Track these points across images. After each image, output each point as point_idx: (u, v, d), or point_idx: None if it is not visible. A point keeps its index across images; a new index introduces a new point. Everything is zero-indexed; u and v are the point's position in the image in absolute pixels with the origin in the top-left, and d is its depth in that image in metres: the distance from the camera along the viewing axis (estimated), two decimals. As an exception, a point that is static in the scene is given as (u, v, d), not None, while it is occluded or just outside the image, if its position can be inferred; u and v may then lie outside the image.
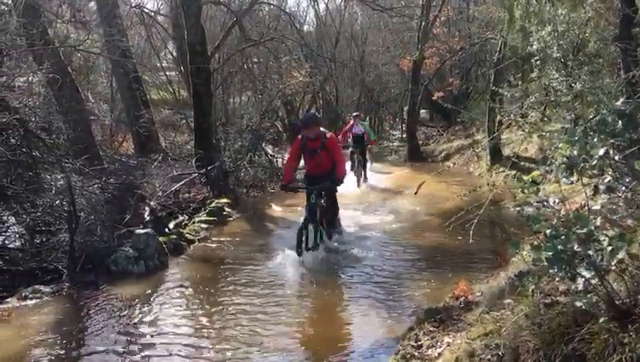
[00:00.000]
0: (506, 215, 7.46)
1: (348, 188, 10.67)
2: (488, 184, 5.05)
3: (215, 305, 5.18)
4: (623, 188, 2.59)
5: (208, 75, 11.26)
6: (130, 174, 8.63)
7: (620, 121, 2.44)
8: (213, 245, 7.41)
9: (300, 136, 6.62)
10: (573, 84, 7.99)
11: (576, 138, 2.48)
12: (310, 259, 6.14)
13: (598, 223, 2.38)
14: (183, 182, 9.72)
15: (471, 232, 3.54)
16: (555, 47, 8.49)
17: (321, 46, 23.57)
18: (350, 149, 12.14)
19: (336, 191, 6.75)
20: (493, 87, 10.88)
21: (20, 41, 8.00)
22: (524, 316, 2.77)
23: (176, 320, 4.80)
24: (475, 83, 19.85)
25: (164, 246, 6.63)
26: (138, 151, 12.70)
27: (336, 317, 4.95)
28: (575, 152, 2.47)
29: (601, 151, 2.42)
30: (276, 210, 9.62)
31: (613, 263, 2.23)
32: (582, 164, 2.46)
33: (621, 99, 2.92)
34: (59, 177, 6.78)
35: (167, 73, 20.59)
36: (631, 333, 2.19)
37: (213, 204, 9.01)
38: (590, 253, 2.25)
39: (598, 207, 2.60)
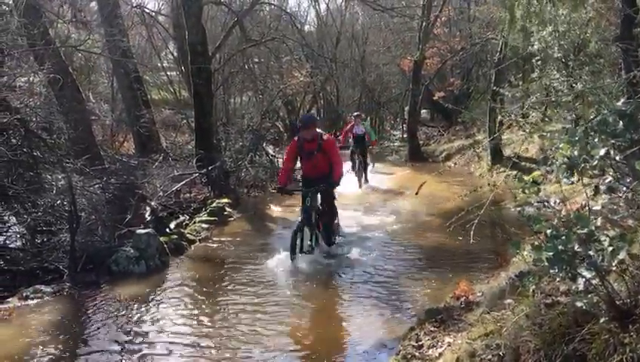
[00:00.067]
0: (506, 215, 7.46)
1: (349, 189, 10.72)
2: (489, 184, 5.06)
3: (216, 304, 5.18)
4: (624, 188, 2.59)
5: (209, 75, 11.27)
6: (131, 174, 8.63)
7: (620, 122, 2.44)
8: (214, 245, 7.42)
9: (296, 138, 6.53)
10: (574, 85, 8.00)
11: (577, 138, 2.48)
12: (304, 262, 6.08)
13: (598, 223, 2.38)
14: (183, 182, 9.73)
15: (472, 232, 3.54)
16: (556, 48, 8.48)
17: (322, 46, 23.59)
18: (350, 149, 12.13)
19: (334, 194, 6.61)
20: (494, 87, 10.89)
21: (21, 41, 8.02)
22: (524, 316, 2.77)
23: (177, 320, 4.80)
24: (475, 83, 19.84)
25: (165, 246, 6.63)
26: (139, 151, 12.71)
27: (337, 317, 4.95)
28: (576, 152, 2.47)
29: (602, 152, 2.42)
30: (277, 210, 9.62)
31: (613, 263, 2.23)
32: (583, 165, 2.45)
33: (622, 100, 2.92)
34: (60, 177, 6.79)
35: (168, 73, 20.60)
36: (632, 333, 2.19)
37: (214, 204, 9.01)
38: (591, 253, 2.26)
39: (598, 208, 2.60)
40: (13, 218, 6.66)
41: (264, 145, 14.03)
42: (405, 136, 20.69)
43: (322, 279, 5.74)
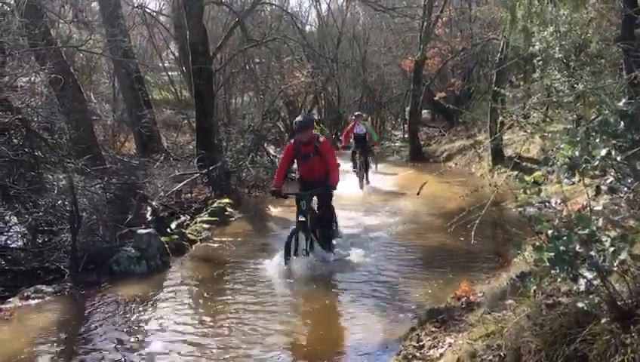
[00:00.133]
0: (507, 215, 7.45)
1: (350, 189, 10.72)
2: (490, 184, 5.05)
3: (217, 304, 5.18)
4: (625, 188, 2.59)
5: (210, 76, 11.27)
6: (132, 174, 8.63)
7: (622, 122, 2.44)
8: (215, 245, 7.42)
9: (292, 141, 6.40)
10: (575, 85, 8.00)
11: (578, 139, 2.48)
12: (305, 263, 5.97)
13: (600, 224, 2.38)
14: (184, 182, 9.74)
15: (472, 233, 3.53)
16: (557, 48, 8.49)
17: (323, 46, 23.62)
18: (352, 150, 12.09)
19: (331, 198, 6.44)
20: (495, 88, 10.87)
21: (23, 41, 8.03)
22: (525, 317, 2.77)
23: (178, 320, 4.80)
24: (476, 83, 19.83)
25: (166, 246, 6.64)
26: (140, 151, 12.72)
27: (338, 317, 4.95)
28: (577, 153, 2.47)
29: (603, 152, 2.42)
30: (278, 210, 9.62)
31: (615, 264, 2.23)
32: (584, 165, 2.45)
33: (623, 100, 2.91)
34: (61, 177, 6.79)
35: (169, 73, 20.59)
36: (633, 334, 2.19)
37: (215, 204, 9.01)
38: (592, 253, 2.25)
39: (600, 208, 2.59)
40: (15, 218, 6.66)
41: (265, 145, 14.04)
42: (406, 136, 20.70)
43: (323, 279, 5.74)
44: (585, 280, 2.31)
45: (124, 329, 4.63)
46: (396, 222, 8.34)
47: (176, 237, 7.17)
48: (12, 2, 8.60)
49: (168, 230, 7.43)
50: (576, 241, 2.27)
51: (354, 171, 11.87)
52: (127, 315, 4.93)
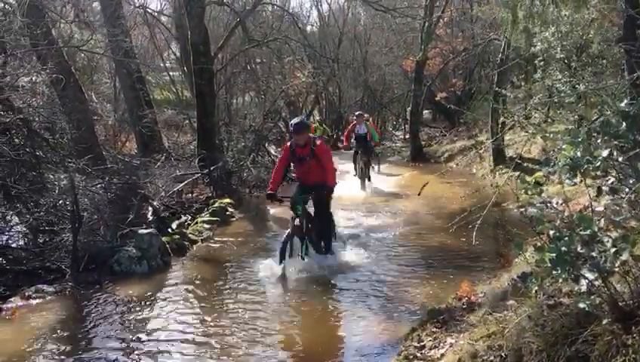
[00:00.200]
0: (509, 216, 7.44)
1: (351, 190, 10.72)
2: (491, 185, 5.05)
3: (217, 304, 5.18)
4: (627, 189, 2.58)
5: (211, 76, 11.28)
6: (133, 174, 8.64)
7: (623, 123, 2.44)
8: (216, 245, 7.42)
9: (288, 144, 6.29)
10: (576, 85, 7.99)
11: (580, 139, 2.48)
12: (306, 263, 5.96)
13: (601, 225, 2.38)
14: (185, 182, 9.74)
15: (474, 233, 3.53)
16: (559, 48, 8.48)
17: (324, 46, 23.64)
18: (353, 150, 12.06)
19: (328, 202, 6.31)
20: (497, 88, 10.86)
21: (24, 41, 8.05)
22: (527, 317, 2.76)
23: (179, 320, 4.80)
24: (478, 84, 19.81)
25: (167, 246, 6.64)
26: (141, 151, 12.73)
27: (339, 317, 4.94)
28: (579, 153, 2.47)
29: (605, 153, 2.42)
30: (279, 210, 9.61)
31: (616, 265, 2.23)
32: (585, 166, 2.45)
33: (625, 101, 2.91)
34: (62, 177, 6.80)
35: (171, 73, 20.65)
36: (634, 335, 2.19)
37: (216, 204, 9.01)
38: (593, 254, 2.25)
39: (601, 209, 2.59)
40: (16, 217, 6.68)
41: (266, 145, 14.04)
42: (407, 136, 20.68)
43: (324, 279, 5.74)
44: (586, 280, 2.31)
45: (125, 329, 4.63)
46: (397, 223, 8.33)
47: (177, 237, 7.17)
48: (14, 2, 8.62)
49: (169, 230, 7.43)
50: (578, 242, 2.27)
51: (356, 172, 11.85)
52: (128, 315, 4.93)
